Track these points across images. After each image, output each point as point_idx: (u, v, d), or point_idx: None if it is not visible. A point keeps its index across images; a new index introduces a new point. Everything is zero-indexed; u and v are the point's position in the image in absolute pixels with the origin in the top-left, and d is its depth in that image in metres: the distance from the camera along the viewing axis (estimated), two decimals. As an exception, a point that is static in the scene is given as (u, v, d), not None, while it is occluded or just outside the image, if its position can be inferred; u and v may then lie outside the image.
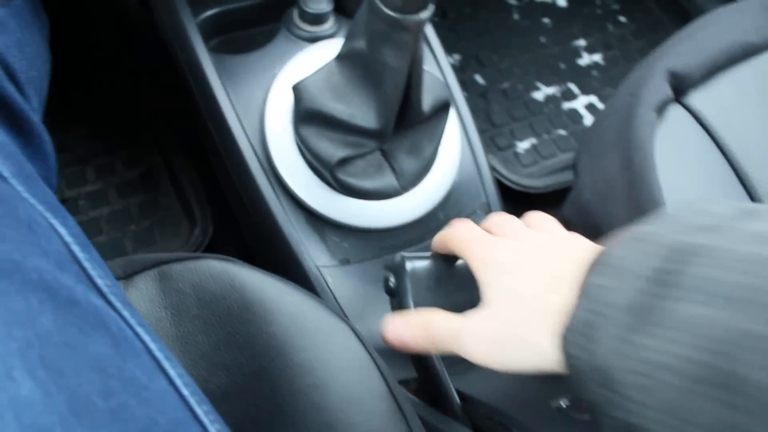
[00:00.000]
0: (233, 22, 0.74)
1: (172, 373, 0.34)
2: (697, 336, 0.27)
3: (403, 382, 0.57)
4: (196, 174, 0.88)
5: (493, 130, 1.04)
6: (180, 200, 0.88)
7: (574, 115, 1.10)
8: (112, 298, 0.35)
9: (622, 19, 1.25)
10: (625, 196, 0.56)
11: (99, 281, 0.35)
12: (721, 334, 0.27)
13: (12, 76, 0.46)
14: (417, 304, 0.51)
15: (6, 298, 0.28)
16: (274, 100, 0.65)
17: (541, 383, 0.47)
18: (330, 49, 0.66)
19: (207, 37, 0.71)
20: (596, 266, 0.33)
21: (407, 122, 0.60)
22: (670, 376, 0.28)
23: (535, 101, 1.10)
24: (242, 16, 0.74)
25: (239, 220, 0.74)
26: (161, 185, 0.90)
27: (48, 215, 0.35)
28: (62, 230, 0.35)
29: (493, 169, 0.94)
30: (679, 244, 0.30)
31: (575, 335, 0.32)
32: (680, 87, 0.63)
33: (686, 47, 0.64)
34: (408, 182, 0.63)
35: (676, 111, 0.63)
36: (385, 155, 0.63)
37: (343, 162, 0.60)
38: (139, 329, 0.34)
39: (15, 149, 0.38)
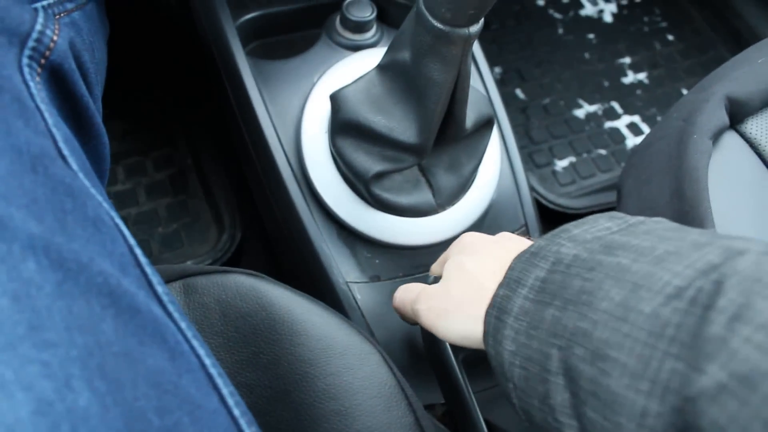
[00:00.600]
0: (273, 26, 0.72)
1: (224, 391, 0.33)
2: (550, 334, 0.33)
3: (429, 407, 0.55)
4: (227, 179, 0.86)
5: (531, 147, 1.01)
6: (209, 205, 0.87)
7: (616, 134, 1.07)
8: (170, 307, 0.34)
9: (670, 37, 1.22)
10: (675, 227, 0.53)
11: (159, 288, 0.34)
12: (562, 331, 0.32)
13: (84, 76, 0.46)
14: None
15: (70, 300, 0.28)
16: (311, 108, 0.63)
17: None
18: (371, 58, 0.64)
19: (246, 41, 0.69)
20: (503, 279, 0.38)
21: (448, 138, 0.58)
22: (538, 370, 0.33)
23: (576, 119, 1.07)
24: (282, 21, 0.73)
25: (268, 228, 0.73)
26: (191, 189, 0.88)
27: (113, 214, 0.35)
28: (126, 231, 0.35)
29: (530, 187, 0.91)
30: (557, 255, 0.35)
31: (489, 337, 0.37)
32: (737, 114, 0.59)
33: (745, 73, 0.61)
34: (445, 200, 0.61)
35: (731, 138, 0.60)
36: (423, 171, 0.61)
37: (380, 176, 0.58)
38: (194, 342, 0.34)
39: (78, 146, 0.38)
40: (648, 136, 0.65)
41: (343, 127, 0.57)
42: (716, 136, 0.59)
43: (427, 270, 0.62)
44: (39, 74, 0.39)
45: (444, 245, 0.63)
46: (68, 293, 0.28)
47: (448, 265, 0.43)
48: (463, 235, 0.47)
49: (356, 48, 0.68)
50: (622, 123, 1.09)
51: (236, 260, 0.83)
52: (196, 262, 0.81)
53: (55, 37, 0.41)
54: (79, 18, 0.47)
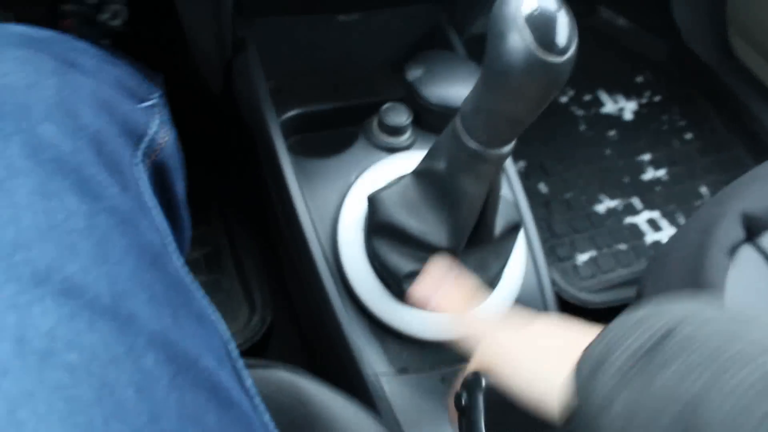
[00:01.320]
0: (314, 123, 0.77)
1: None
2: (665, 395, 0.31)
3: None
4: (261, 260, 0.90)
5: (553, 240, 1.04)
6: (242, 285, 0.90)
7: (635, 230, 1.10)
8: (257, 401, 0.37)
9: (688, 136, 1.26)
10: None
11: (247, 383, 0.37)
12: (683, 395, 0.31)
13: (182, 178, 0.50)
14: (489, 428, 0.51)
15: (182, 393, 0.30)
16: (348, 207, 0.67)
17: None
18: (406, 160, 0.69)
19: (287, 135, 0.74)
20: (600, 337, 0.37)
21: (477, 242, 0.61)
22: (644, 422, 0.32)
23: (596, 213, 1.10)
24: (322, 119, 0.78)
25: (300, 315, 0.76)
26: (225, 268, 0.92)
27: (211, 310, 0.38)
28: (221, 327, 0.38)
29: (552, 281, 0.94)
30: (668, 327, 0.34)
31: (580, 377, 0.36)
32: (754, 228, 0.63)
33: (761, 188, 0.64)
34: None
35: (748, 253, 0.63)
36: (452, 270, 0.64)
37: (412, 275, 0.61)
38: None
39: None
40: (666, 244, 0.68)
41: (379, 227, 0.61)
42: (733, 251, 0.62)
43: (453, 364, 0.64)
44: (146, 171, 0.41)
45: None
46: (180, 386, 0.30)
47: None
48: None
49: (391, 150, 0.72)
50: (641, 219, 1.12)
51: (265, 342, 0.86)
52: (226, 341, 0.84)
53: (166, 138, 0.45)
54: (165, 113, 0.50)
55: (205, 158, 1.01)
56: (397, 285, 0.61)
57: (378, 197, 0.61)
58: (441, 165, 0.56)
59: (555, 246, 1.03)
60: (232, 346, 0.37)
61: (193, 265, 0.92)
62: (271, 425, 0.37)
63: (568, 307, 0.95)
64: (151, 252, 0.35)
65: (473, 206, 0.56)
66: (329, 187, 0.69)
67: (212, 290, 0.91)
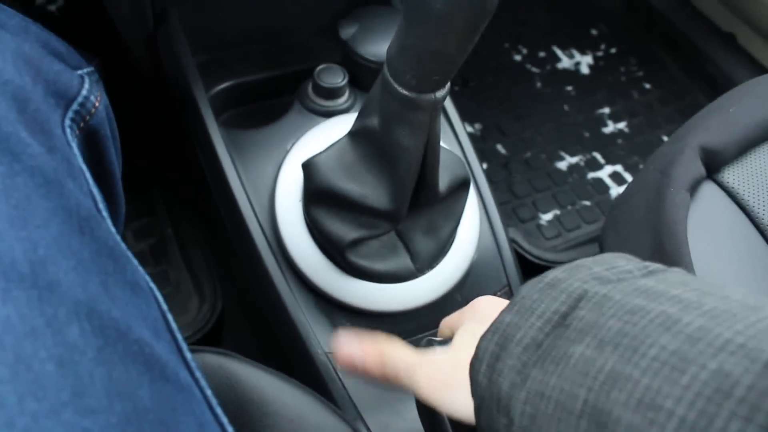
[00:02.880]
0: (246, 94, 0.72)
1: None
2: (578, 373, 0.30)
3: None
4: (208, 248, 0.85)
5: (515, 201, 1.01)
6: (190, 275, 0.85)
7: (599, 185, 1.07)
8: (197, 374, 0.34)
9: (647, 86, 1.23)
10: (656, 284, 0.52)
11: (188, 355, 0.34)
12: (596, 372, 0.29)
13: (115, 146, 0.48)
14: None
15: (110, 366, 0.28)
16: (285, 177, 0.62)
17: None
18: (344, 124, 0.64)
19: (219, 111, 0.69)
20: (510, 306, 0.35)
21: (423, 202, 0.57)
22: (554, 409, 0.30)
23: (558, 171, 1.07)
24: (255, 89, 0.73)
25: (247, 299, 0.71)
26: (172, 259, 0.87)
27: (148, 278, 0.36)
28: (159, 296, 0.36)
29: (514, 242, 0.90)
30: (580, 291, 0.32)
31: (482, 364, 0.34)
32: (713, 164, 0.59)
33: (718, 121, 0.61)
34: (424, 264, 0.60)
35: (709, 189, 0.59)
36: (400, 236, 0.60)
37: (355, 243, 0.57)
38: (218, 411, 0.34)
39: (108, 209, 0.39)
40: (626, 188, 0.65)
41: (317, 195, 0.57)
42: (693, 188, 0.58)
43: (409, 336, 0.61)
44: (77, 136, 0.40)
45: (425, 309, 0.61)
46: (108, 359, 0.28)
47: (460, 332, 0.39)
48: (477, 300, 0.43)
49: (329, 114, 0.68)
50: (604, 173, 1.09)
51: (218, 331, 0.81)
52: (177, 335, 0.80)
53: (97, 103, 0.43)
54: (97, 82, 0.48)
55: (147, 148, 0.96)
56: (340, 255, 0.57)
57: (313, 163, 0.57)
58: (374, 121, 0.52)
59: (517, 207, 1.00)
60: (171, 317, 0.35)
61: (138, 257, 0.87)
62: (214, 399, 0.34)
63: (535, 268, 0.91)
64: (78, 216, 0.33)
65: (412, 161, 0.52)
66: (264, 158, 0.64)
67: (160, 282, 0.86)
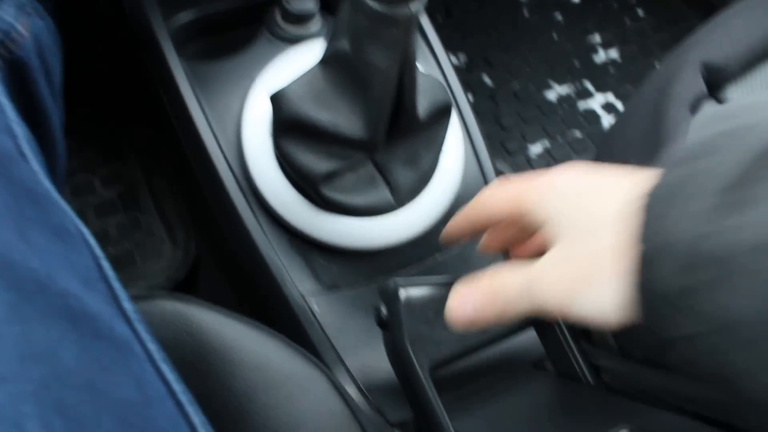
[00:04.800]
0: (210, 26, 0.67)
1: (195, 421, 0.30)
2: None
3: (401, 425, 0.50)
4: (178, 191, 0.81)
5: (502, 134, 0.96)
6: (162, 220, 0.81)
7: (590, 115, 1.02)
8: (138, 326, 0.31)
9: (640, 12, 1.17)
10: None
11: (126, 306, 0.31)
12: None
13: (48, 81, 0.44)
14: (413, 340, 0.44)
15: (27, 326, 0.26)
16: (252, 109, 0.57)
17: (554, 425, 0.40)
18: (316, 50, 0.59)
19: (182, 45, 0.64)
20: (677, 157, 0.28)
21: (402, 130, 0.53)
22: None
23: (547, 102, 1.02)
24: (220, 21, 0.67)
25: (219, 242, 0.67)
26: (143, 204, 0.83)
27: (78, 222, 0.32)
28: (92, 241, 0.32)
29: (502, 175, 0.86)
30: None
31: (657, 210, 0.27)
32: (715, 81, 0.55)
33: (722, 35, 0.56)
34: (404, 196, 0.56)
35: (711, 108, 0.55)
36: (379, 167, 0.55)
37: (330, 176, 0.53)
38: (163, 367, 0.31)
39: (37, 148, 0.35)
40: (621, 116, 0.61)
41: (286, 126, 0.52)
42: (694, 107, 0.54)
43: (391, 274, 0.57)
44: (0, 68, 0.37)
45: (408, 245, 0.57)
46: (24, 317, 0.26)
47: (551, 226, 0.32)
48: (553, 172, 0.36)
49: (299, 41, 0.62)
50: (596, 102, 1.04)
51: (193, 277, 0.78)
52: (150, 282, 0.76)
53: (24, 33, 0.39)
54: (46, 24, 0.44)
55: (112, 91, 0.90)
56: (314, 190, 0.53)
57: (281, 93, 0.52)
58: (345, 43, 0.47)
59: (504, 140, 0.95)
60: (107, 264, 0.31)
61: (108, 205, 0.83)
62: (159, 354, 0.31)
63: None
64: None
65: (387, 84, 0.47)
66: (230, 91, 0.59)
67: (132, 229, 0.82)
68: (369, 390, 0.51)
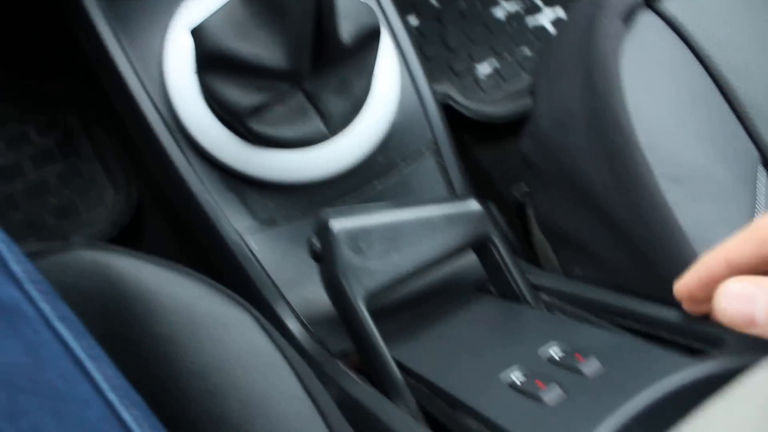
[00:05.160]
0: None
1: (96, 375, 0.29)
2: None
3: (344, 355, 0.50)
4: (116, 135, 0.79)
5: (449, 55, 0.94)
6: (102, 166, 0.79)
7: (540, 31, 1.00)
8: (29, 287, 0.29)
9: None
10: (585, 124, 0.47)
11: (15, 267, 0.29)
12: None
13: None
14: (347, 270, 0.44)
15: None
16: (173, 45, 0.55)
17: (493, 354, 0.40)
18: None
19: None
20: None
21: (328, 57, 0.51)
22: None
23: (495, 20, 0.99)
24: None
25: (154, 185, 0.66)
26: (82, 151, 0.80)
27: None
28: None
29: (449, 97, 0.85)
30: None
31: None
32: (650, -12, 0.53)
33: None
34: (337, 125, 0.54)
35: (647, 18, 0.53)
36: (309, 97, 0.54)
37: (258, 110, 0.51)
38: (58, 325, 0.29)
39: None
40: (559, 28, 0.59)
41: (208, 61, 0.50)
42: (628, 17, 0.52)
43: (330, 205, 0.56)
44: None
45: (345, 176, 0.56)
46: None
47: None
48: None
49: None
50: (545, 18, 1.02)
51: (139, 222, 0.76)
52: (94, 230, 0.75)
53: None
54: None
55: (40, 38, 0.86)
56: (241, 124, 0.51)
57: (201, 26, 0.50)
58: None
59: (451, 61, 0.93)
60: None
61: (46, 154, 0.81)
62: (55, 312, 0.29)
63: (473, 124, 0.86)
64: None
65: (303, 9, 0.45)
66: (149, 26, 0.57)
67: (72, 178, 0.79)
68: (311, 323, 0.51)
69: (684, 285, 0.32)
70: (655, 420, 0.29)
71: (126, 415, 0.29)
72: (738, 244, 0.29)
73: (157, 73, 0.55)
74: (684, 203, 0.43)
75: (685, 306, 0.32)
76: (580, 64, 0.51)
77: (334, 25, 0.48)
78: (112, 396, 0.29)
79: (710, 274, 0.30)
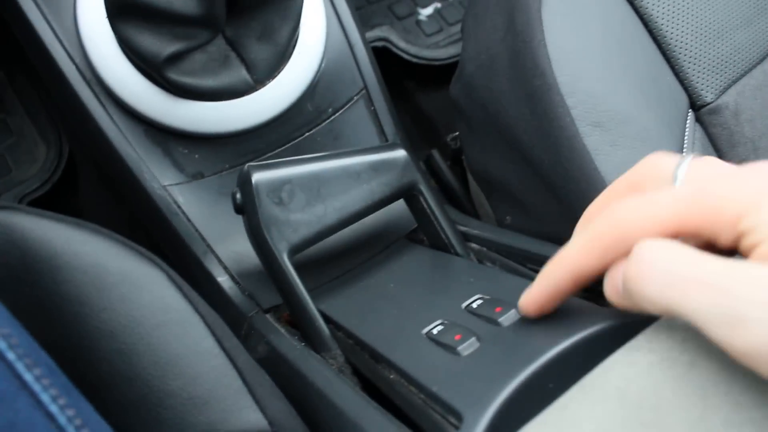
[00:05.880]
0: None
1: (10, 356, 0.28)
2: None
3: (274, 309, 0.50)
4: (42, 88, 0.76)
5: (390, -2, 0.92)
6: (32, 120, 0.76)
7: (484, -30, 0.98)
8: None
9: None
10: (507, 67, 0.46)
11: None
12: None
13: None
14: (269, 224, 0.43)
15: None
16: (86, -8, 0.52)
17: (418, 307, 0.41)
18: None
19: None
20: None
21: (247, 1, 0.49)
22: None
23: (438, -41, 0.97)
24: None
25: (80, 139, 0.64)
26: (9, 105, 0.77)
27: None
28: None
29: (388, 41, 0.83)
30: None
31: None
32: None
33: None
34: (263, 73, 0.53)
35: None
36: (232, 44, 0.52)
37: (175, 58, 0.49)
38: None
39: None
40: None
41: (119, 7, 0.48)
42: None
43: (258, 156, 0.55)
44: None
45: (272, 125, 0.55)
46: None
47: None
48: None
49: None
50: (490, -43, 1.00)
51: (70, 178, 0.74)
52: (28, 188, 0.73)
53: None
54: None
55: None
56: (159, 74, 0.49)
57: (108, -31, 0.47)
58: None
59: (392, 4, 0.91)
60: None
61: (-28, 109, 0.77)
62: None
63: (415, 68, 0.85)
64: None
65: (213, -50, 0.43)
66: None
67: (1, 134, 0.77)
68: (241, 276, 0.51)
69: (531, 300, 0.31)
70: (561, 371, 0.30)
71: (26, 374, 0.28)
72: (582, 256, 0.28)
73: (71, 20, 0.53)
74: (605, 148, 0.43)
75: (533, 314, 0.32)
76: (502, 6, 0.50)
77: (248, -32, 0.46)
78: (10, 355, 0.28)
79: (557, 288, 0.30)
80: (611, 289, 0.28)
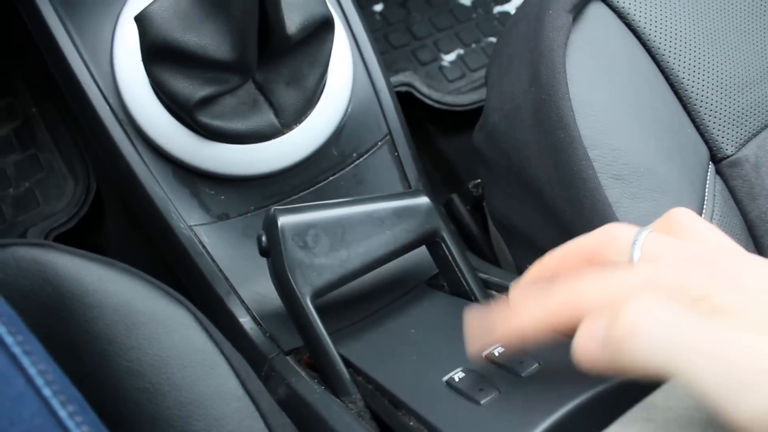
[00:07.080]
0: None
1: (31, 371, 0.29)
2: None
3: (295, 351, 0.50)
4: (73, 125, 0.78)
5: (414, 43, 0.94)
6: (62, 156, 0.78)
7: (506, 18, 1.00)
8: None
9: None
10: (531, 119, 0.47)
11: None
12: None
13: None
14: (294, 267, 0.44)
15: None
16: (123, 35, 0.54)
17: (437, 354, 0.41)
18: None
19: None
20: None
21: (276, 49, 0.51)
22: None
23: (461, 6, 0.99)
24: None
25: (109, 176, 0.65)
26: (40, 140, 0.79)
27: None
28: None
29: (412, 86, 0.85)
30: None
31: None
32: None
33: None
34: (290, 118, 0.54)
35: (597, 10, 0.54)
36: (261, 89, 0.54)
37: (206, 102, 0.51)
38: None
39: None
40: (511, 18, 0.59)
41: (154, 51, 0.50)
42: (577, 9, 0.52)
43: (282, 200, 0.56)
44: None
45: (297, 169, 0.56)
46: None
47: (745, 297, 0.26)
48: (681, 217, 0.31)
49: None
50: (512, 6, 1.02)
51: (99, 213, 0.76)
52: (54, 222, 0.74)
53: None
54: None
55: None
56: (190, 117, 0.51)
57: (145, 15, 0.49)
58: None
59: (416, 49, 0.93)
60: None
61: (3, 143, 0.79)
62: None
63: (437, 113, 0.86)
64: None
65: (245, 1, 0.45)
66: (99, 15, 0.56)
67: (30, 168, 0.78)
68: (263, 318, 0.51)
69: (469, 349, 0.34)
70: (580, 424, 0.30)
71: (61, 411, 0.29)
72: (533, 322, 0.30)
73: (107, 63, 0.55)
74: (625, 201, 0.44)
75: None
76: (527, 57, 0.51)
77: (279, 17, 0.47)
78: (47, 391, 0.29)
79: (491, 343, 0.34)
80: (586, 347, 0.28)
